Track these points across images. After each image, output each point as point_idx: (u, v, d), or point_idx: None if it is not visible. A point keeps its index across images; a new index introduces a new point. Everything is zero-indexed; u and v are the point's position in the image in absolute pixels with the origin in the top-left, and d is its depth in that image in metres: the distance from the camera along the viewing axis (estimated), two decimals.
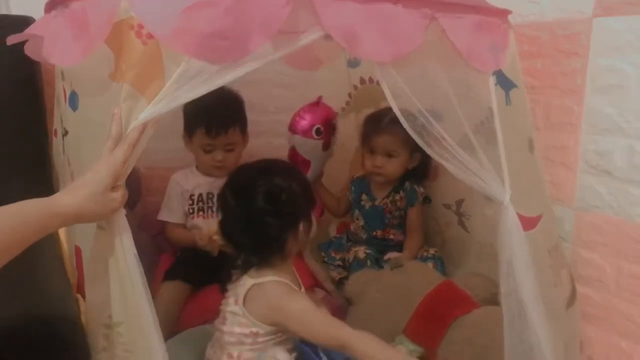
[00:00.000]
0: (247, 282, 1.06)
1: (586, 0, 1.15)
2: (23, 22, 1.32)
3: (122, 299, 0.80)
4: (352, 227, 1.62)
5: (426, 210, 1.58)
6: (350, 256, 1.49)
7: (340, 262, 1.54)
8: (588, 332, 1.20)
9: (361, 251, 1.47)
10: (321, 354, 1.09)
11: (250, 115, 1.53)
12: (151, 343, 0.79)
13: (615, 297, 1.15)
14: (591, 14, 1.14)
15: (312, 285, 1.44)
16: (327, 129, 1.54)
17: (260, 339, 1.04)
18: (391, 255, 1.46)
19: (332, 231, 1.74)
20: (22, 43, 1.05)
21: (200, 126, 1.39)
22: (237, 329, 1.05)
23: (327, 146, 1.56)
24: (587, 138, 1.17)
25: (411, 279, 1.24)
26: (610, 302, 1.16)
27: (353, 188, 1.61)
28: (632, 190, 1.10)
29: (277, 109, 1.71)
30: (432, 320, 1.15)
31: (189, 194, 1.49)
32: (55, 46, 0.90)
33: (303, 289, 1.14)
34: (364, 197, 1.58)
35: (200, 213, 1.50)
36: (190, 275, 1.36)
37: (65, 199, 0.74)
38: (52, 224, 0.73)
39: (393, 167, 1.49)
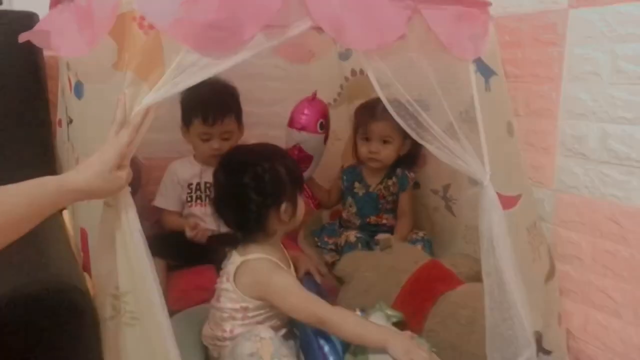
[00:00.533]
0: (236, 259, 1.12)
1: None
2: (26, 17, 1.37)
3: (128, 270, 0.86)
4: (344, 215, 1.68)
5: (415, 195, 1.64)
6: (341, 240, 1.56)
7: (332, 247, 1.60)
8: (566, 306, 1.27)
9: (352, 235, 1.54)
10: (320, 339, 1.14)
11: (246, 107, 1.58)
12: (155, 310, 0.85)
13: (592, 272, 1.21)
14: (567, 5, 1.20)
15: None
16: (327, 123, 1.59)
17: (250, 314, 1.10)
18: (381, 236, 1.53)
19: (326, 218, 1.80)
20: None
21: (197, 115, 1.45)
22: (229, 305, 1.11)
23: (327, 139, 1.61)
24: (565, 123, 1.23)
25: (399, 258, 1.30)
26: (587, 278, 1.22)
27: (345, 177, 1.66)
28: (605, 171, 1.16)
29: (272, 101, 1.77)
30: (419, 297, 1.21)
31: (187, 182, 1.55)
32: (63, 39, 0.96)
33: (292, 269, 1.20)
34: (356, 185, 1.64)
35: (198, 201, 1.55)
36: (165, 253, 1.37)
37: (75, 177, 0.80)
38: (63, 199, 0.79)
39: (388, 152, 1.56)
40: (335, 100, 1.83)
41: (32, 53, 1.40)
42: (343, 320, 1.06)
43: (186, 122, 1.50)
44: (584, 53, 1.18)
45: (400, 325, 1.11)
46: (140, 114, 0.84)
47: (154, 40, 0.83)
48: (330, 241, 1.62)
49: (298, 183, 1.18)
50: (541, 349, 1.12)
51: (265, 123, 1.74)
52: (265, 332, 1.05)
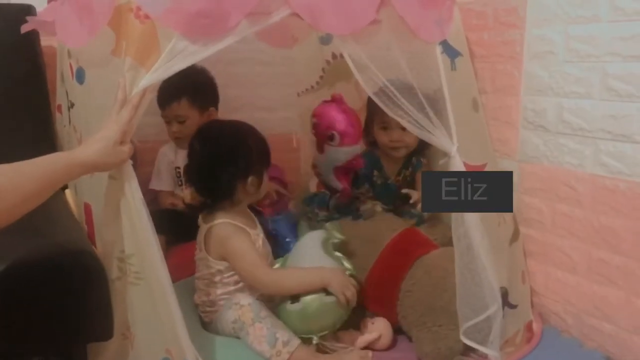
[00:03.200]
0: (203, 228, 1.23)
1: None
2: (23, 10, 1.44)
3: (133, 234, 0.95)
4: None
5: None
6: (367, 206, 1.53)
7: (323, 218, 1.63)
8: (530, 266, 1.39)
9: (378, 205, 1.52)
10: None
11: (232, 91, 1.67)
12: (157, 270, 0.95)
13: (552, 234, 1.33)
14: None
15: None
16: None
17: (226, 275, 1.21)
18: (364, 206, 1.52)
19: (313, 187, 1.83)
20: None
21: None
22: (206, 271, 1.22)
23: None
24: (526, 99, 1.34)
25: (379, 226, 1.41)
26: (548, 239, 1.34)
27: (366, 161, 1.56)
28: (562, 141, 1.27)
29: (257, 84, 1.87)
30: (397, 261, 1.32)
31: (175, 165, 1.65)
32: (65, 30, 1.05)
33: (259, 229, 1.30)
34: (376, 173, 1.57)
35: (188, 184, 1.65)
36: (161, 228, 1.46)
37: (83, 152, 0.89)
38: (73, 172, 0.89)
39: (411, 137, 1.47)
40: (317, 82, 1.91)
41: (30, 43, 1.46)
42: (285, 278, 1.20)
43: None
44: (541, 34, 1.28)
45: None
46: (138, 94, 0.93)
47: (150, 28, 0.92)
48: (322, 212, 1.57)
49: (265, 160, 1.28)
50: (507, 304, 1.23)
51: (249, 105, 1.84)
52: (245, 299, 1.17)
